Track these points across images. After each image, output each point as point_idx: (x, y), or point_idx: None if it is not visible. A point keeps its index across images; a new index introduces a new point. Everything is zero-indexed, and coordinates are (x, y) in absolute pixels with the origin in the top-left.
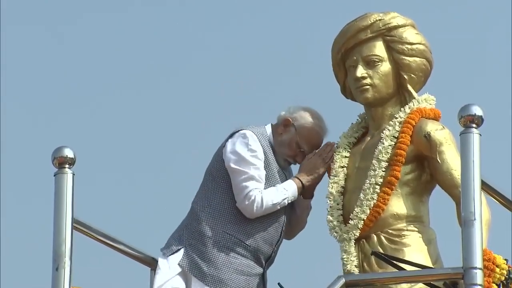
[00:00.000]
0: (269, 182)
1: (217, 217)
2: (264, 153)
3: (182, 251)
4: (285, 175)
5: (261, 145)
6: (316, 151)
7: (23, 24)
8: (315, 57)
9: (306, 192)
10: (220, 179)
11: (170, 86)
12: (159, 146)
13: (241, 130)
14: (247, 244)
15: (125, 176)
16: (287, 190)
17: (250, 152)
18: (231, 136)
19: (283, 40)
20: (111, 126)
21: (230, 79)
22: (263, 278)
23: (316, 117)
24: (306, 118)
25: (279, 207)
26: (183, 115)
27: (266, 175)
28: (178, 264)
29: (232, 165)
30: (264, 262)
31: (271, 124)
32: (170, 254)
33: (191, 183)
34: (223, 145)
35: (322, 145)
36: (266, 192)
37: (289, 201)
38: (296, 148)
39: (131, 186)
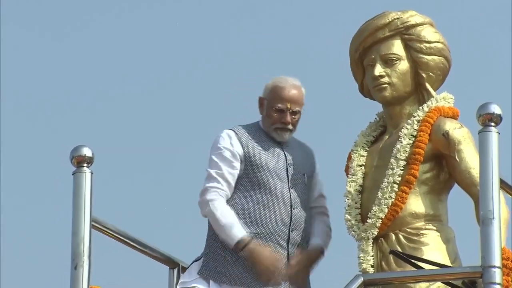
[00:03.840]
0: (264, 168)
1: None
2: (244, 146)
3: (202, 259)
4: (284, 154)
5: (240, 140)
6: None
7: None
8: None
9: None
10: None
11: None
12: (179, 144)
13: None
14: (259, 233)
15: (144, 175)
16: (229, 222)
17: (216, 150)
18: None
19: (288, 41)
20: (130, 125)
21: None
22: (287, 260)
23: (276, 77)
24: (268, 85)
25: (215, 223)
26: (203, 112)
27: (257, 163)
28: (198, 273)
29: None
30: (285, 244)
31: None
32: (195, 261)
33: None
34: None
35: None
36: (219, 201)
37: (219, 228)
38: (273, 112)
39: (149, 184)
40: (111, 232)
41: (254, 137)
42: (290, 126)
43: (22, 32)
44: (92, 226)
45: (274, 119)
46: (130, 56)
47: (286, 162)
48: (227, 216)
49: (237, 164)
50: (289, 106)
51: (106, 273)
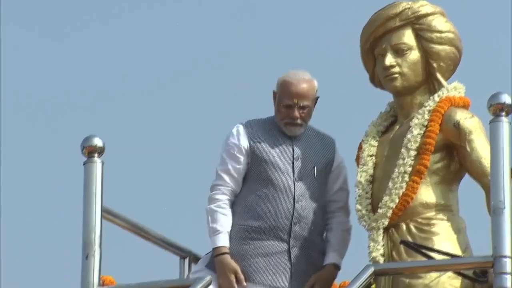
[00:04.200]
0: (268, 162)
1: (233, 214)
2: (251, 140)
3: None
4: (292, 147)
5: (248, 134)
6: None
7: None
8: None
9: None
10: None
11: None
12: (190, 133)
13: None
14: (259, 227)
15: (154, 165)
16: (215, 228)
17: (225, 147)
18: None
19: (288, 41)
20: (130, 125)
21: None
22: (289, 253)
23: (286, 73)
24: (279, 79)
25: (207, 223)
26: (203, 112)
27: (262, 157)
28: (206, 265)
29: None
30: (286, 237)
31: None
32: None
33: None
34: None
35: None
36: (218, 204)
37: (208, 229)
38: (282, 108)
39: (160, 174)
40: (122, 222)
41: (264, 131)
42: (299, 121)
43: (22, 32)
44: (103, 216)
45: (283, 115)
46: (130, 56)
47: (293, 156)
48: (216, 221)
49: (244, 159)
50: (296, 102)
51: (117, 263)
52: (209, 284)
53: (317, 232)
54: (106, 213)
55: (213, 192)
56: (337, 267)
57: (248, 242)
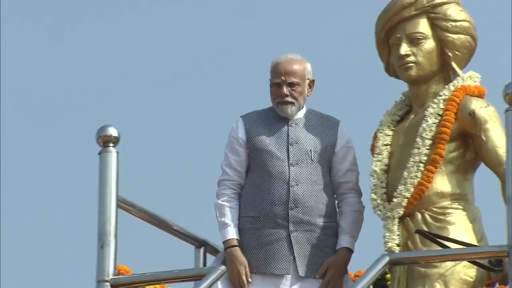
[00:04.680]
0: (263, 151)
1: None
2: (248, 132)
3: None
4: (287, 132)
5: (245, 126)
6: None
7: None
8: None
9: None
10: None
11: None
12: (206, 122)
13: None
14: (257, 217)
15: (169, 154)
16: (224, 222)
17: (227, 141)
18: None
19: (289, 41)
20: (129, 124)
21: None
22: (289, 239)
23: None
24: (271, 64)
25: (216, 217)
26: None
27: (258, 146)
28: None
29: None
30: (285, 224)
31: None
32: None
33: None
34: None
35: None
36: (224, 198)
37: (218, 223)
38: (272, 89)
39: (174, 164)
40: (137, 212)
41: (262, 121)
42: (289, 99)
43: (22, 32)
44: (118, 206)
45: (274, 95)
46: (130, 56)
47: (288, 140)
48: (224, 215)
49: (243, 151)
50: (284, 79)
51: (133, 253)
52: (223, 274)
53: (320, 214)
54: (122, 202)
55: (219, 188)
56: (349, 250)
57: (249, 233)
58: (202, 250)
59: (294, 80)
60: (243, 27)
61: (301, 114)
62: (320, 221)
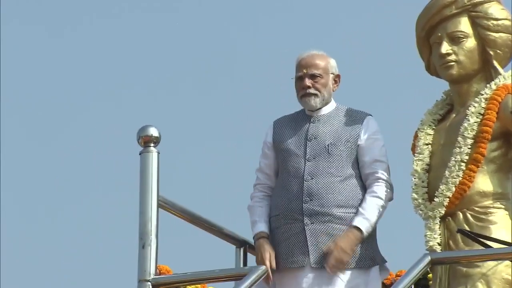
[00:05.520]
0: (284, 150)
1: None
2: (274, 135)
3: None
4: (307, 128)
5: (274, 129)
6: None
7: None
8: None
9: None
10: None
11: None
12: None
13: None
14: (278, 215)
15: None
16: (253, 220)
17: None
18: None
19: (289, 41)
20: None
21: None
22: (304, 232)
23: None
24: None
25: (249, 213)
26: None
27: (280, 147)
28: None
29: None
30: (301, 217)
31: None
32: None
33: None
34: None
35: None
36: (254, 200)
37: (251, 223)
38: (296, 83)
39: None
40: (178, 212)
41: (288, 123)
42: (312, 90)
43: (22, 32)
44: (159, 206)
45: (298, 89)
46: (130, 56)
47: (306, 137)
48: (254, 213)
49: (271, 154)
50: (305, 71)
51: (174, 253)
52: (264, 274)
53: (338, 204)
54: (162, 202)
55: (252, 192)
56: (358, 230)
57: (274, 232)
58: (242, 250)
59: (316, 72)
60: (243, 27)
61: (327, 109)
62: (338, 212)
